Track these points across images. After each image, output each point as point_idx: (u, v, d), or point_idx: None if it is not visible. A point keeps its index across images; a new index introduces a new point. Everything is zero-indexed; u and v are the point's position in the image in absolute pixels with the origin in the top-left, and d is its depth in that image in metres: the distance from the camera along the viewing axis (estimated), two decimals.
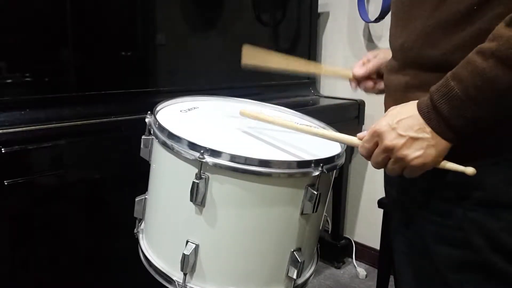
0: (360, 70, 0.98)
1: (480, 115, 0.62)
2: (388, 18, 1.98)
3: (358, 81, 1.00)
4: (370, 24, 2.13)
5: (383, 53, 0.95)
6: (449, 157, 0.67)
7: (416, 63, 0.72)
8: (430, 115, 0.65)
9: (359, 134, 0.74)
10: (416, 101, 0.68)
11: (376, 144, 0.69)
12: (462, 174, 0.66)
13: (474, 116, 0.62)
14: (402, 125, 0.66)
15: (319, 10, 2.22)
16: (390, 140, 0.66)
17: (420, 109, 0.66)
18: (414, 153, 0.65)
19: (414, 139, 0.65)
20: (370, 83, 0.99)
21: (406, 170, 0.68)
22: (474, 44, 0.62)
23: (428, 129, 0.65)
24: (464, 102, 0.62)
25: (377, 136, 0.69)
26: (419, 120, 0.66)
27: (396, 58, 0.79)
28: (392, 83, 0.79)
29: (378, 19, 2.01)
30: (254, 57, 0.93)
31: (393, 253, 0.86)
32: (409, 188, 0.77)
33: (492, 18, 0.62)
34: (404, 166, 0.67)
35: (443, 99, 0.63)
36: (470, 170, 0.65)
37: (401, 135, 0.66)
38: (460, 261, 0.71)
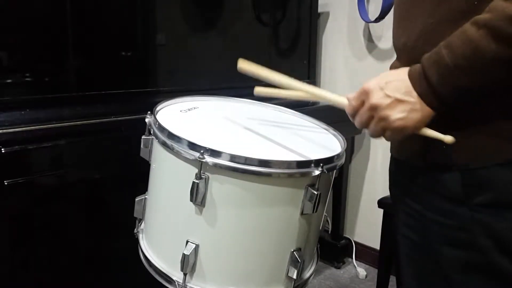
0: None
1: (465, 86, 0.63)
2: (388, 18, 1.99)
3: None
4: (370, 24, 2.13)
5: None
6: (450, 154, 0.67)
7: (419, 62, 0.72)
8: (419, 80, 0.66)
9: (348, 95, 0.75)
10: (409, 67, 0.69)
11: (363, 103, 0.70)
12: (467, 174, 0.66)
13: (460, 86, 0.63)
14: (390, 87, 0.67)
15: (319, 10, 2.22)
16: (376, 98, 0.68)
17: (410, 73, 0.68)
18: (397, 115, 0.67)
19: (399, 101, 0.67)
20: None
21: (387, 132, 0.69)
22: None
23: (415, 93, 0.66)
24: (452, 70, 0.63)
25: (364, 94, 0.70)
26: (407, 83, 0.67)
27: (399, 58, 0.79)
28: None
29: (378, 19, 2.01)
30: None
31: (395, 253, 0.86)
32: (412, 187, 0.77)
33: None
34: (386, 127, 0.68)
35: (433, 67, 0.65)
36: (448, 138, 0.66)
37: (387, 95, 0.67)
38: (463, 261, 0.71)
